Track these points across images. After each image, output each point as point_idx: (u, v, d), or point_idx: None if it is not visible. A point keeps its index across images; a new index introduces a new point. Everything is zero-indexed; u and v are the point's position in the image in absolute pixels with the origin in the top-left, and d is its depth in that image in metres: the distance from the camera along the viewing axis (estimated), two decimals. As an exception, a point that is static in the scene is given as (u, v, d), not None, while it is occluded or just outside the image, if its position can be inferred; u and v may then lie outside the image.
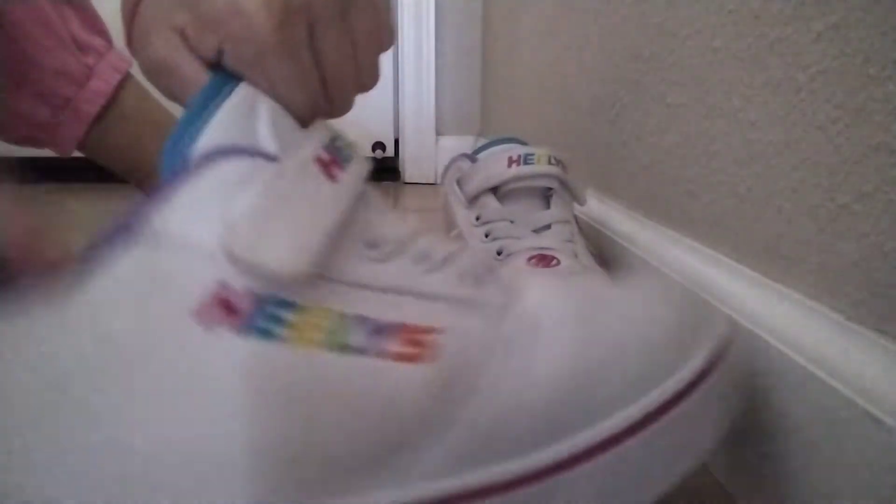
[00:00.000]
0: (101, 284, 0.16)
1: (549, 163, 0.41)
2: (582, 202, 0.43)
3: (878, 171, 0.22)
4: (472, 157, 0.45)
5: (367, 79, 0.25)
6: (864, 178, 0.23)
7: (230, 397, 0.16)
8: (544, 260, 0.38)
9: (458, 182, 0.44)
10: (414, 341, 0.18)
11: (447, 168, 0.47)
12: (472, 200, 0.42)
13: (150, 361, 0.16)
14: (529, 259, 0.38)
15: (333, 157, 0.20)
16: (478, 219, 0.41)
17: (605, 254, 0.47)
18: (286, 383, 0.17)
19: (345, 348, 0.17)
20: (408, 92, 1.25)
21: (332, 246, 0.18)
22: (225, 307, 0.16)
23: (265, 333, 0.17)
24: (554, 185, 0.41)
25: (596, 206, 0.52)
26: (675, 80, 0.38)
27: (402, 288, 0.20)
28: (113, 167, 0.48)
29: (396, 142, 1.30)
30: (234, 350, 0.16)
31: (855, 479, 0.21)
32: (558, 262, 0.38)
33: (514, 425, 0.19)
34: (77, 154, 0.48)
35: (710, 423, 0.22)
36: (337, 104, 0.24)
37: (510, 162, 0.40)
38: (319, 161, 0.20)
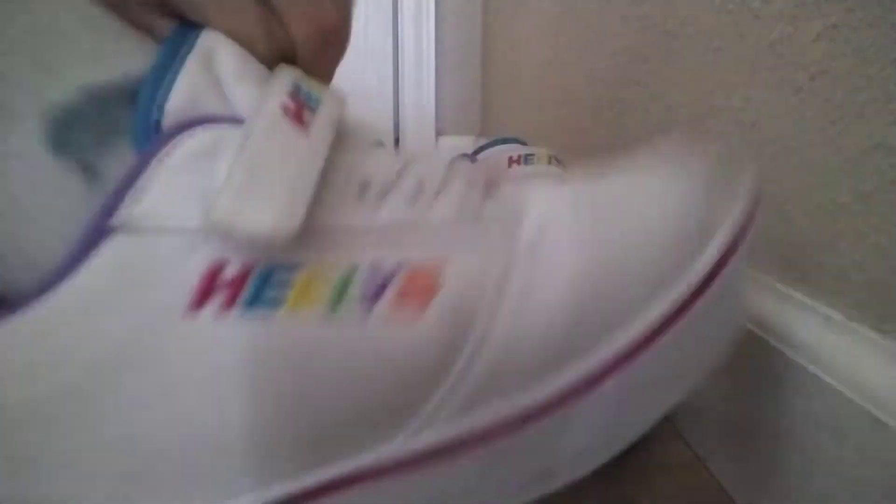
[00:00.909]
0: (85, 280, 0.15)
1: (549, 163, 0.41)
2: None
3: (878, 171, 0.22)
4: (471, 157, 0.44)
5: (330, 16, 0.22)
6: (864, 178, 0.23)
7: (239, 379, 0.16)
8: None
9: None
10: (416, 289, 0.18)
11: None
12: None
13: (152, 354, 0.15)
14: None
15: (301, 103, 0.19)
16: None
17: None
18: (291, 354, 0.16)
19: (350, 303, 0.17)
20: (408, 92, 1.25)
21: (322, 196, 0.18)
22: (222, 286, 0.16)
23: (269, 304, 0.16)
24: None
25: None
26: (675, 80, 0.38)
27: (402, 223, 0.19)
28: None
29: (396, 142, 1.30)
30: (238, 328, 0.16)
31: (855, 479, 0.21)
32: None
33: (519, 358, 0.18)
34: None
35: (734, 307, 0.21)
36: (300, 40, 0.22)
37: (510, 162, 0.40)
38: (286, 110, 0.18)
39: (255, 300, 0.16)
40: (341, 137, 0.20)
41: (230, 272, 0.16)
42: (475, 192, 0.20)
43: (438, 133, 1.29)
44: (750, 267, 0.30)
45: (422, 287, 0.18)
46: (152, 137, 0.16)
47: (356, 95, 0.26)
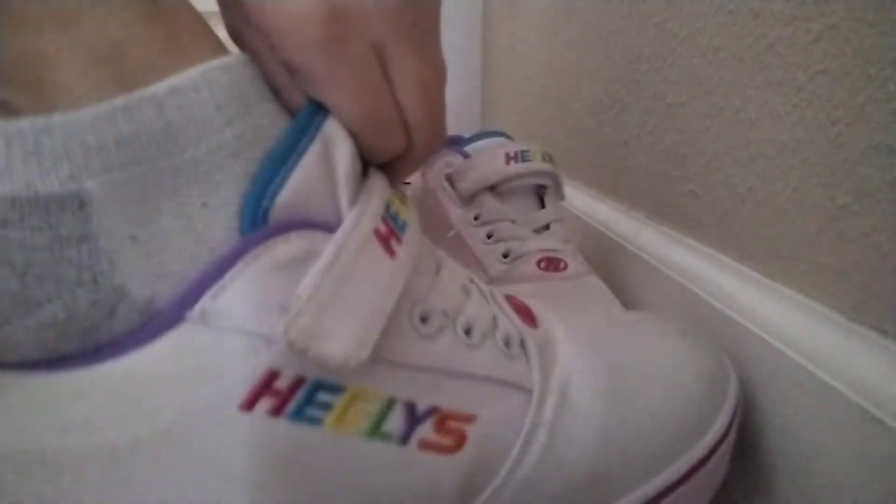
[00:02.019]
0: (148, 358, 0.15)
1: (544, 159, 0.41)
2: (563, 197, 0.43)
3: (879, 170, 0.22)
4: (461, 151, 0.43)
5: (441, 127, 0.22)
6: (864, 178, 0.23)
7: (271, 479, 0.16)
8: (553, 263, 0.38)
9: (449, 179, 0.42)
10: (449, 430, 0.19)
11: (430, 161, 0.44)
12: (468, 199, 0.40)
13: (193, 446, 0.15)
14: (539, 262, 0.38)
15: (391, 228, 0.19)
16: (476, 218, 0.40)
17: (598, 252, 0.47)
18: (323, 472, 0.17)
19: (385, 436, 0.18)
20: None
21: (387, 327, 0.18)
22: (271, 394, 0.16)
23: (311, 420, 0.16)
24: (549, 182, 0.41)
25: (596, 206, 0.52)
26: (675, 80, 0.38)
27: (447, 369, 0.19)
28: None
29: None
30: (278, 439, 0.16)
31: (855, 479, 0.21)
32: (566, 266, 0.38)
33: None
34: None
35: (723, 470, 0.25)
36: (419, 148, 0.21)
37: (508, 159, 0.40)
38: (378, 234, 0.18)
39: (298, 415, 0.16)
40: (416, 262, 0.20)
41: (282, 382, 0.16)
42: (513, 342, 0.22)
43: (438, 133, 1.29)
44: (750, 266, 0.30)
45: (452, 433, 0.19)
46: (254, 229, 0.16)
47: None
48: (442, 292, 0.21)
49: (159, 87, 0.15)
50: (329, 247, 0.17)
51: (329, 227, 0.17)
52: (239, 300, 0.16)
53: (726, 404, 0.24)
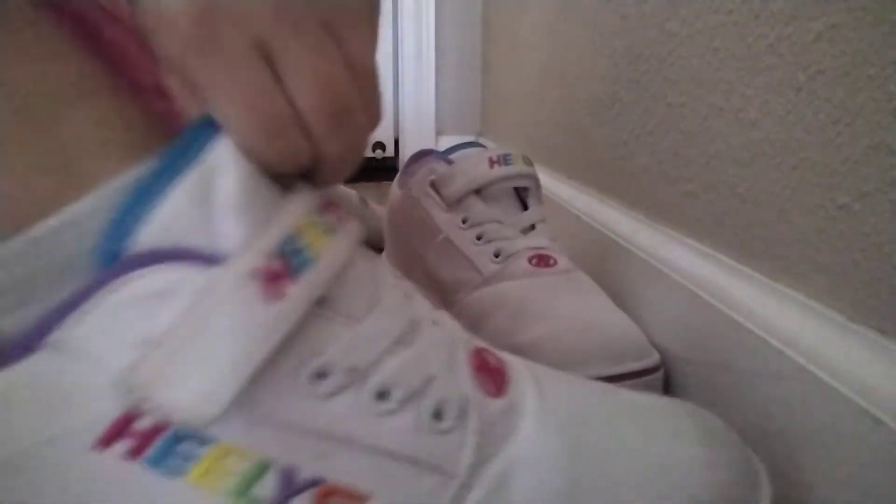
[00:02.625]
0: (5, 382, 0.15)
1: (525, 163, 0.42)
2: (542, 201, 0.44)
3: (879, 170, 0.22)
4: (445, 158, 0.44)
5: (367, 115, 0.20)
6: (864, 178, 0.23)
7: None
8: (543, 259, 0.39)
9: (433, 185, 0.43)
10: None
11: (411, 171, 0.45)
12: (454, 204, 0.41)
13: (50, 471, 0.15)
14: (530, 259, 0.39)
15: (286, 266, 0.17)
16: (464, 221, 0.41)
17: (598, 252, 0.47)
18: None
19: (253, 501, 0.16)
20: (408, 92, 1.25)
21: (266, 376, 0.16)
22: (129, 436, 0.15)
23: (170, 470, 0.15)
24: (531, 184, 0.42)
25: (596, 206, 0.52)
26: (675, 80, 0.38)
27: (341, 436, 0.17)
28: None
29: (396, 141, 1.30)
30: (130, 484, 0.15)
31: (855, 479, 0.21)
32: (556, 262, 0.39)
33: None
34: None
35: None
36: (329, 161, 0.19)
37: (491, 163, 0.41)
38: (258, 273, 0.16)
39: (158, 462, 0.15)
40: (321, 302, 0.18)
41: (142, 424, 0.15)
42: (448, 412, 0.18)
43: (438, 133, 1.29)
44: (750, 266, 0.30)
45: None
46: (112, 263, 0.15)
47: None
48: (357, 344, 0.18)
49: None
50: (187, 286, 0.15)
51: (208, 261, 0.16)
52: (97, 331, 0.15)
53: None
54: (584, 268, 0.41)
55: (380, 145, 1.27)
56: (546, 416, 0.20)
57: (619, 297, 0.40)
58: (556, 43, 0.65)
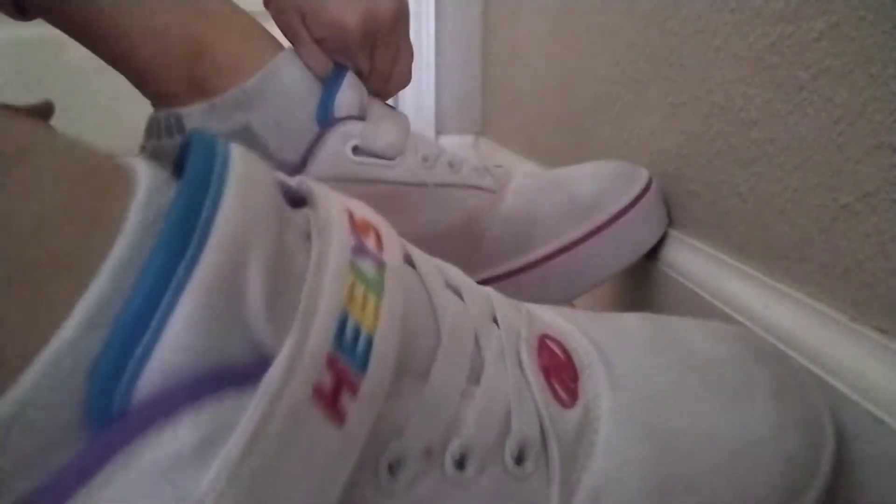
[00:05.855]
0: None
1: None
2: None
3: (881, 170, 0.22)
4: (329, 123, 0.34)
5: (402, 77, 0.38)
6: (866, 178, 0.23)
7: None
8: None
9: (356, 149, 0.34)
10: None
11: (323, 152, 0.34)
12: (399, 153, 0.35)
13: None
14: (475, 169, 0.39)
15: (342, 371, 0.13)
16: (425, 160, 0.35)
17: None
18: None
19: None
20: (408, 92, 1.25)
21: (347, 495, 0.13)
22: None
23: None
24: None
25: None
26: (676, 79, 0.38)
27: None
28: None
29: (396, 141, 1.30)
30: None
31: (857, 480, 0.21)
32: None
33: None
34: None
35: None
36: (385, 86, 0.37)
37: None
38: (319, 395, 0.12)
39: None
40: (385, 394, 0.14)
41: None
42: (532, 444, 0.17)
43: (438, 132, 1.29)
44: (752, 266, 0.30)
45: None
46: (109, 422, 0.11)
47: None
48: (428, 412, 0.15)
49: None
50: (238, 430, 0.11)
51: (242, 377, 0.12)
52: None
53: (810, 492, 0.20)
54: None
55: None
56: (623, 416, 0.18)
57: (620, 297, 0.40)
58: (556, 42, 0.65)
